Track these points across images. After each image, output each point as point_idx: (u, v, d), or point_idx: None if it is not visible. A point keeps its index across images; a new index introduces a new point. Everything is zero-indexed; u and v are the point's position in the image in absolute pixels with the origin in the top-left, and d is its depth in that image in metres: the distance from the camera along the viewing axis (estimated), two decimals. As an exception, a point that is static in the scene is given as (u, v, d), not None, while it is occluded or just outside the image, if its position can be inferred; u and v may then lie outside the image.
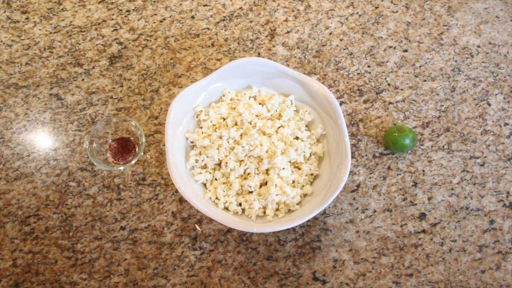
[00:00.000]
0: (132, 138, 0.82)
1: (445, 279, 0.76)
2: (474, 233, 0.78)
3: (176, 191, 0.80)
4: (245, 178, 0.77)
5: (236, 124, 0.79)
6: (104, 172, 0.81)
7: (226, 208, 0.75)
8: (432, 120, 0.85)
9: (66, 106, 0.86)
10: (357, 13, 0.93)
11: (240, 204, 0.76)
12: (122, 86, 0.87)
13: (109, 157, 0.81)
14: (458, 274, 0.76)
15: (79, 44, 0.90)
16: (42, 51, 0.90)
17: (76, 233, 0.78)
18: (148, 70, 0.88)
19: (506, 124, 0.84)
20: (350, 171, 0.81)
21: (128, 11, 0.93)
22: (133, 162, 0.78)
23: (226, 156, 0.77)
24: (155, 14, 0.92)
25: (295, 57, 0.89)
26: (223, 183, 0.77)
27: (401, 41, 0.90)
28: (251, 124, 0.77)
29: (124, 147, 0.81)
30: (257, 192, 0.75)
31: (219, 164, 0.78)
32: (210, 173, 0.77)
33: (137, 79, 0.87)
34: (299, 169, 0.78)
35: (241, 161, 0.77)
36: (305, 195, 0.77)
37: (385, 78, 0.88)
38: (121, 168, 0.78)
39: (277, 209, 0.75)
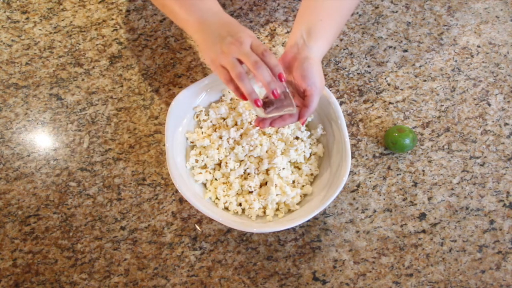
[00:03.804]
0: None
1: (445, 279, 0.76)
2: (474, 233, 0.78)
3: (176, 191, 0.80)
4: (245, 178, 0.77)
5: (236, 124, 0.79)
6: (104, 172, 0.81)
7: (226, 208, 0.75)
8: (432, 120, 0.85)
9: (66, 106, 0.86)
10: (357, 13, 0.93)
11: (240, 204, 0.76)
12: (122, 86, 0.87)
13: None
14: (458, 274, 0.76)
15: (79, 44, 0.90)
16: (42, 51, 0.90)
17: (76, 233, 0.78)
18: (148, 70, 0.88)
19: (506, 124, 0.84)
20: (350, 171, 0.81)
21: (128, 11, 0.93)
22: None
23: (226, 156, 0.77)
24: (155, 14, 0.92)
25: (295, 57, 0.89)
26: (223, 183, 0.77)
27: (401, 41, 0.90)
28: (251, 124, 0.77)
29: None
30: (257, 192, 0.75)
31: (219, 164, 0.78)
32: (210, 173, 0.77)
33: (137, 79, 0.87)
34: (299, 169, 0.78)
35: (241, 161, 0.77)
36: (305, 195, 0.77)
37: (385, 78, 0.88)
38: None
39: (277, 209, 0.75)
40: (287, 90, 0.64)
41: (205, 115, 0.80)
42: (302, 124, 0.69)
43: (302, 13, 0.71)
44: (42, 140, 0.84)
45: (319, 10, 0.69)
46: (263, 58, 0.62)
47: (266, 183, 0.77)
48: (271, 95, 0.62)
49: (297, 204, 0.75)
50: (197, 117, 0.80)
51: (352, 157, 0.82)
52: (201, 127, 0.79)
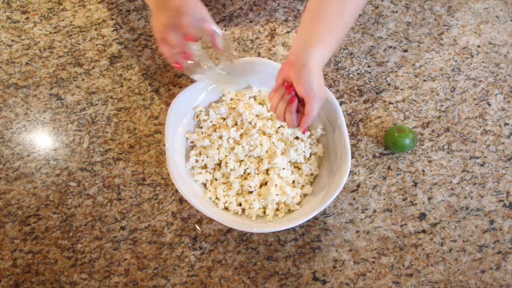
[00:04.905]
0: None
1: (445, 279, 0.76)
2: (474, 233, 0.78)
3: (176, 191, 0.80)
4: (245, 178, 0.77)
5: (236, 124, 0.79)
6: (104, 172, 0.81)
7: (226, 208, 0.75)
8: (432, 120, 0.85)
9: (66, 106, 0.86)
10: (357, 13, 0.93)
11: (240, 204, 0.76)
12: (122, 86, 0.87)
13: None
14: (458, 274, 0.76)
15: (79, 44, 0.90)
16: (42, 51, 0.90)
17: (76, 233, 0.78)
18: (148, 70, 0.88)
19: (506, 124, 0.84)
20: (350, 171, 0.81)
21: (128, 11, 0.93)
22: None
23: (226, 156, 0.77)
24: (155, 14, 0.92)
25: (295, 57, 0.89)
26: (223, 183, 0.77)
27: (401, 41, 0.90)
28: (251, 124, 0.77)
29: None
30: (257, 192, 0.75)
31: (219, 164, 0.78)
32: (210, 173, 0.77)
33: (137, 79, 0.87)
34: (299, 169, 0.78)
35: (241, 161, 0.77)
36: (305, 195, 0.77)
37: (385, 78, 0.88)
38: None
39: (277, 209, 0.75)
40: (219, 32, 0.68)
41: (205, 115, 0.80)
42: (303, 133, 0.69)
43: (304, 19, 0.70)
44: (42, 140, 0.84)
45: (321, 17, 0.69)
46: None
47: (266, 183, 0.77)
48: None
49: (297, 204, 0.75)
50: (197, 117, 0.80)
51: (352, 157, 0.82)
52: (201, 127, 0.79)
